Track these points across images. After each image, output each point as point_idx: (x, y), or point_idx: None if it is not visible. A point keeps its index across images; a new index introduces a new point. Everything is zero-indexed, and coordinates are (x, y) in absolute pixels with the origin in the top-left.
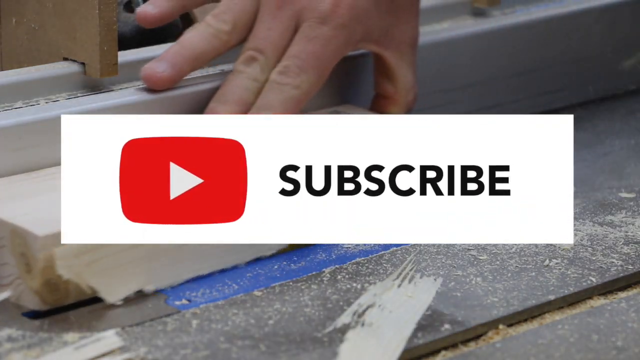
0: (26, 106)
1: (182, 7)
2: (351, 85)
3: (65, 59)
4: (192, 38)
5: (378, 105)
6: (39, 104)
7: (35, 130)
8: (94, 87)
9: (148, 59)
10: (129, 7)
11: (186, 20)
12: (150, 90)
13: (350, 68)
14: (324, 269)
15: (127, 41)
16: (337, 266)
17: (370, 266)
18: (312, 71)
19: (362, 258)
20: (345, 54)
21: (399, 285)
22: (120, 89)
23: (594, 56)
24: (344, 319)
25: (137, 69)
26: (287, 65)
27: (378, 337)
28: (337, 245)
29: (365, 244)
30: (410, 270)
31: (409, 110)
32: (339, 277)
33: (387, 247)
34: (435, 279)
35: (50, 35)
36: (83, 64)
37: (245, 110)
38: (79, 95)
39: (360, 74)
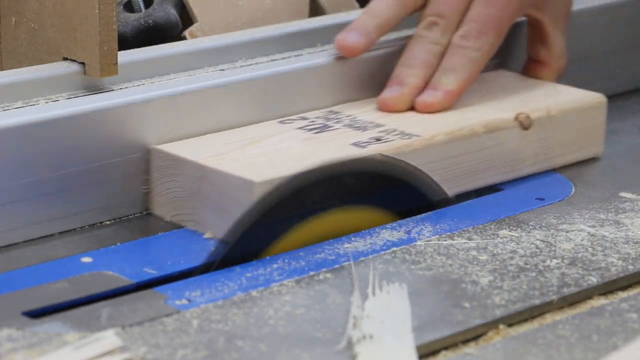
0: (26, 106)
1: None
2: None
3: (65, 59)
4: (379, 6)
5: (531, 69)
6: (39, 104)
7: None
8: (94, 87)
9: (148, 59)
10: (129, 7)
11: (186, 20)
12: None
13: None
14: (323, 269)
15: (127, 41)
16: (337, 266)
17: (366, 267)
18: (491, 34)
19: (362, 258)
20: (519, 16)
21: (374, 294)
22: (120, 88)
23: (594, 56)
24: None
25: (137, 69)
26: (467, 29)
27: (387, 350)
28: (336, 245)
29: (365, 244)
30: (374, 277)
31: (560, 76)
32: (339, 277)
33: (387, 246)
34: (400, 285)
35: (50, 35)
36: (83, 63)
37: (431, 72)
38: (79, 95)
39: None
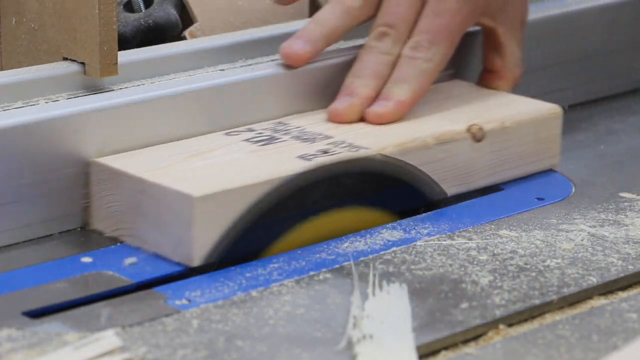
0: (26, 106)
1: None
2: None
3: (65, 59)
4: (326, 15)
5: (486, 79)
6: (39, 104)
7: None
8: (94, 87)
9: (148, 59)
10: (129, 7)
11: (186, 20)
12: (153, 89)
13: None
14: (323, 269)
15: (127, 41)
16: (337, 266)
17: (366, 267)
18: (442, 44)
19: (362, 258)
20: (470, 25)
21: (374, 294)
22: (120, 88)
23: (594, 56)
24: (347, 331)
25: (137, 69)
26: (418, 40)
27: (387, 351)
28: (336, 245)
29: (365, 244)
30: (374, 277)
31: (515, 86)
32: (339, 277)
33: (387, 246)
34: (400, 285)
35: (50, 35)
36: (83, 63)
37: (382, 83)
38: (79, 95)
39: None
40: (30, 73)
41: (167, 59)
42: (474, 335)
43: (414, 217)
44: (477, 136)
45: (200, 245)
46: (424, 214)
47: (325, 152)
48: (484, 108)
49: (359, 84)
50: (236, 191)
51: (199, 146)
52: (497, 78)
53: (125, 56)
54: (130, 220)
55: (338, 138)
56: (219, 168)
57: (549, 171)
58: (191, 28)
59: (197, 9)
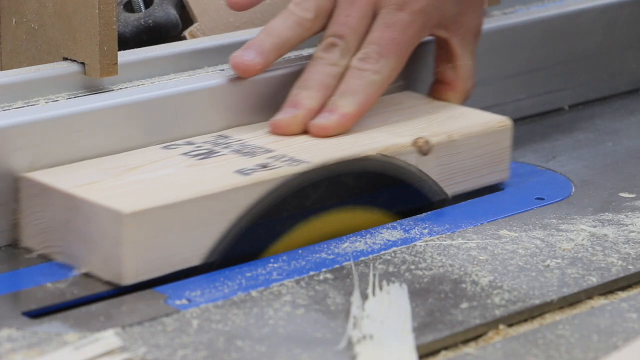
0: (26, 106)
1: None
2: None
3: (65, 59)
4: (277, 26)
5: (437, 91)
6: (39, 104)
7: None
8: (94, 87)
9: (148, 59)
10: (129, 7)
11: (186, 20)
12: (153, 89)
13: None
14: (323, 269)
15: (127, 41)
16: (337, 266)
17: (366, 267)
18: (392, 56)
19: (362, 258)
20: (422, 38)
21: (374, 294)
22: (120, 89)
23: (594, 56)
24: (348, 331)
25: (137, 69)
26: (367, 51)
27: (387, 351)
28: (336, 245)
29: (365, 244)
30: (374, 277)
31: (467, 98)
32: (339, 277)
33: (387, 247)
34: (400, 285)
35: (50, 35)
36: (83, 64)
37: (328, 95)
38: (79, 95)
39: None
40: (30, 73)
41: (167, 59)
42: (474, 335)
43: (414, 217)
44: (423, 149)
45: (129, 263)
46: (424, 214)
47: (264, 166)
48: (432, 120)
49: (304, 96)
50: (168, 208)
51: (133, 160)
52: (448, 89)
53: (125, 56)
54: (60, 237)
55: (279, 152)
56: (153, 183)
57: (549, 171)
58: (191, 28)
59: (197, 9)
